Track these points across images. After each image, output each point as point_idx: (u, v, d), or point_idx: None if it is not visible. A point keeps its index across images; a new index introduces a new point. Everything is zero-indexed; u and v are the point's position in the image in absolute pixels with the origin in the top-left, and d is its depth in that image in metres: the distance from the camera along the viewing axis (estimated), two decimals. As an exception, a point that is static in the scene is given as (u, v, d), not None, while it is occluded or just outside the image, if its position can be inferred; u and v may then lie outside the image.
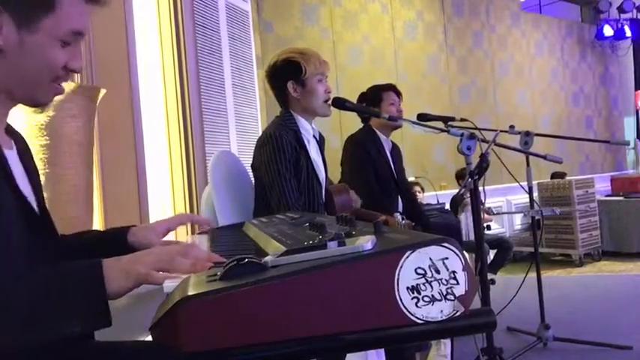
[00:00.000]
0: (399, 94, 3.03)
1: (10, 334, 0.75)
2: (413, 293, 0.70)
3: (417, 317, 0.70)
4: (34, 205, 1.04)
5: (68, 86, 2.00)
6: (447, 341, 2.63)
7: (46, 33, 0.98)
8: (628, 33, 8.08)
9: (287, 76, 2.16)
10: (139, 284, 0.85)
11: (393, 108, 2.94)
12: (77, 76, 2.27)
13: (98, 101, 2.13)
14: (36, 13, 0.97)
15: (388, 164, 2.94)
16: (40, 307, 0.76)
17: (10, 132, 1.11)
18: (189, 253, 0.88)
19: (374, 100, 2.98)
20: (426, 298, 0.70)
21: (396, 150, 3.07)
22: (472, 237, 3.95)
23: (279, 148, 2.04)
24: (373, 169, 2.85)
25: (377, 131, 2.95)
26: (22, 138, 1.15)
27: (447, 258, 0.71)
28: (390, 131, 2.99)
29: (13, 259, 0.93)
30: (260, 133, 2.79)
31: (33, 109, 1.09)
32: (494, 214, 5.28)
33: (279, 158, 2.04)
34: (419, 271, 0.70)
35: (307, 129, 2.19)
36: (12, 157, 1.04)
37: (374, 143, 2.92)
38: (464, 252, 0.73)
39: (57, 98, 1.88)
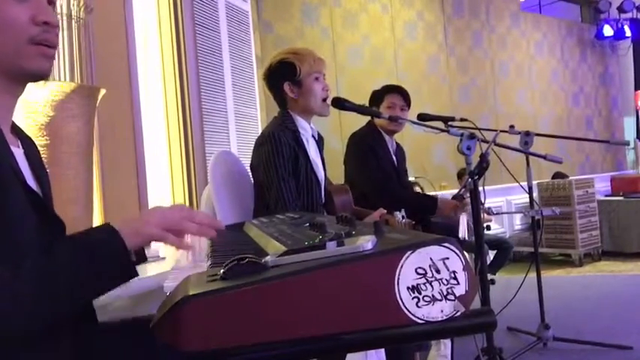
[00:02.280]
0: (406, 98, 2.98)
1: (57, 301, 0.82)
2: (413, 293, 0.70)
3: (417, 317, 0.70)
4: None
5: (68, 86, 2.00)
6: (447, 341, 2.63)
7: None
8: (628, 33, 8.08)
9: (282, 77, 2.15)
10: (148, 242, 0.93)
11: (389, 111, 2.89)
12: (77, 76, 2.27)
13: (98, 101, 2.14)
14: None
15: (391, 162, 2.93)
16: (78, 276, 0.84)
17: (17, 132, 1.08)
18: (195, 218, 0.94)
19: (376, 100, 2.97)
20: (426, 298, 0.70)
21: (400, 150, 3.06)
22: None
23: (277, 147, 2.04)
24: (378, 164, 2.84)
25: (380, 130, 2.94)
26: (29, 138, 1.13)
27: (447, 258, 0.71)
28: (388, 133, 2.97)
29: (29, 250, 0.92)
30: (260, 133, 2.79)
31: (37, 82, 1.04)
32: (494, 214, 5.29)
33: (277, 158, 2.04)
34: (419, 270, 0.70)
35: (306, 129, 2.19)
36: (19, 155, 1.02)
37: (377, 139, 2.91)
38: (464, 252, 0.73)
39: (57, 98, 1.89)
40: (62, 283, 0.82)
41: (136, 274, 0.90)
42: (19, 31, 0.95)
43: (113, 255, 0.87)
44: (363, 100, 3.03)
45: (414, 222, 2.42)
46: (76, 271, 0.84)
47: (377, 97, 3.00)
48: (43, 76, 1.02)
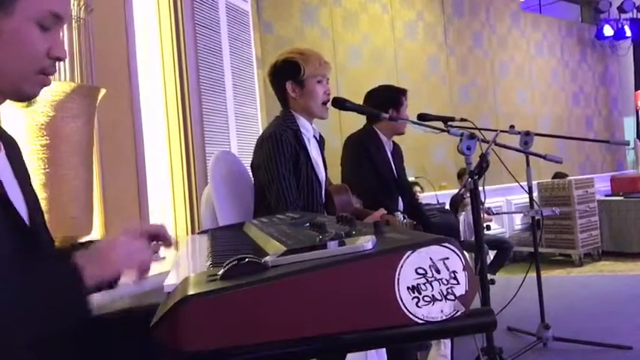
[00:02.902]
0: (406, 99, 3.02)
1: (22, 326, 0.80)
2: (413, 293, 0.70)
3: (417, 317, 0.70)
4: (24, 212, 1.00)
5: (68, 86, 2.00)
6: (447, 341, 2.63)
7: (22, 15, 0.93)
8: (628, 33, 8.08)
9: (286, 76, 2.16)
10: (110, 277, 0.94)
11: (408, 114, 2.90)
12: (77, 76, 2.27)
13: (98, 101, 2.13)
14: None
15: (389, 163, 2.93)
16: (39, 306, 0.82)
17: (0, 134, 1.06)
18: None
19: (394, 102, 2.92)
20: (426, 298, 0.70)
21: (397, 150, 3.06)
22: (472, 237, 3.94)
23: (279, 147, 2.04)
24: (373, 167, 2.84)
25: (378, 132, 2.94)
26: (13, 141, 1.11)
27: (447, 258, 0.71)
28: (392, 135, 2.98)
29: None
30: (260, 133, 2.79)
31: (20, 103, 1.06)
32: (494, 214, 5.29)
33: (278, 157, 2.04)
34: (419, 271, 0.70)
35: (307, 129, 2.19)
36: (0, 160, 1.00)
37: (374, 142, 2.90)
38: (464, 252, 0.73)
39: (57, 98, 1.89)
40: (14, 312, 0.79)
41: (91, 311, 0.90)
42: (34, 60, 0.96)
43: (72, 294, 0.86)
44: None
45: (415, 222, 2.42)
46: (38, 302, 0.82)
47: (393, 99, 2.94)
48: (31, 100, 1.04)
